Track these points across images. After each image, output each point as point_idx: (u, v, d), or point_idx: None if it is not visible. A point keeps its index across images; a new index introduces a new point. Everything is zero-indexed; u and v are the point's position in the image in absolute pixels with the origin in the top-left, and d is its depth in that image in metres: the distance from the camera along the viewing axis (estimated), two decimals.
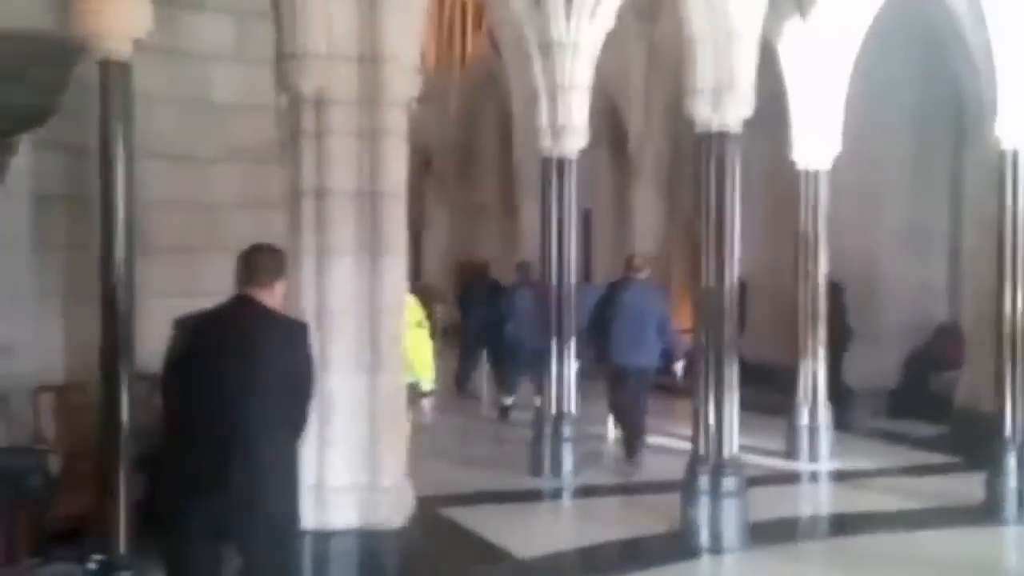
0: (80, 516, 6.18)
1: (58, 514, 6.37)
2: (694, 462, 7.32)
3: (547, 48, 9.11)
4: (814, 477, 10.05)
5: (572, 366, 9.30)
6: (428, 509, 7.52)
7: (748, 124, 7.37)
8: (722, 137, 7.26)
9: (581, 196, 19.68)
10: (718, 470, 7.22)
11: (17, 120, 3.30)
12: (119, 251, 4.87)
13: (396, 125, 6.21)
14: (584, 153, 17.76)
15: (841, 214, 12.12)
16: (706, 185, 7.29)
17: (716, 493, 7.21)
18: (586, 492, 9.08)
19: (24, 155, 7.07)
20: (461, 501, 8.49)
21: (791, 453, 10.29)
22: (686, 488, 7.32)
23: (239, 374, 4.46)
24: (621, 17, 11.51)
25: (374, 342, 6.12)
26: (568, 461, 9.27)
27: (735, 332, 7.31)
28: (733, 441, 7.29)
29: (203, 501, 4.41)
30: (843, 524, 8.44)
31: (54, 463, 6.88)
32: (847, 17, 9.95)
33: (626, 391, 9.52)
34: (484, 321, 13.37)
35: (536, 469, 9.31)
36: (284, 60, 6.09)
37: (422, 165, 26.77)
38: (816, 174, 10.24)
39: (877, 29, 10.17)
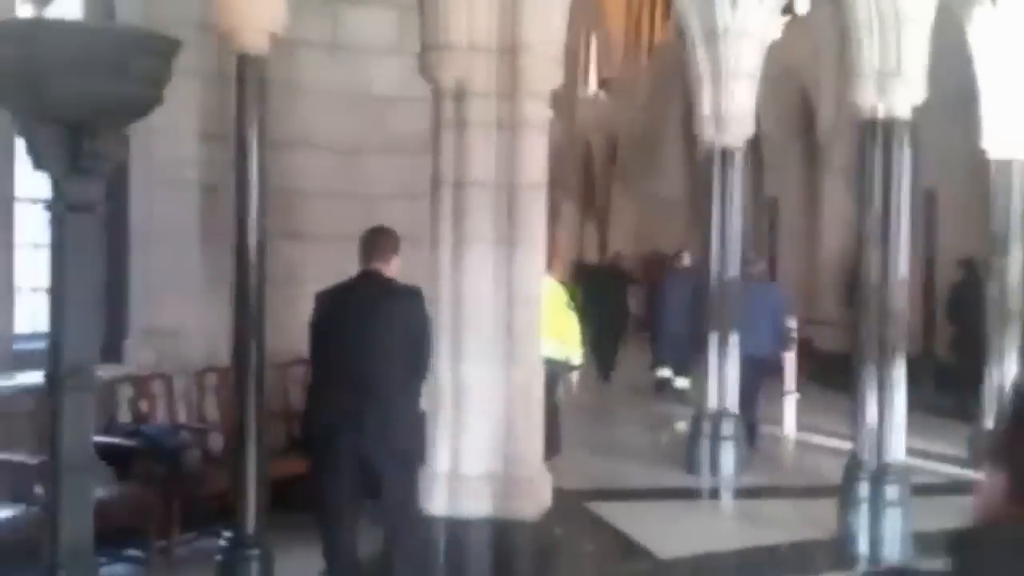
0: None
1: (213, 491, 6.63)
2: (853, 467, 6.98)
3: (711, 34, 8.86)
4: None
5: (733, 361, 9.03)
6: (573, 502, 7.45)
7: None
8: (889, 124, 6.87)
9: (769, 184, 19.59)
10: (879, 477, 6.86)
11: (121, 112, 3.38)
12: (252, 239, 5.00)
13: (535, 117, 6.13)
14: (772, 143, 17.40)
15: None
16: (870, 175, 6.92)
17: (877, 501, 6.85)
18: (745, 493, 8.81)
19: (190, 146, 7.46)
20: (610, 496, 8.41)
21: (973, 461, 9.68)
22: (844, 494, 6.99)
23: (367, 333, 5.45)
24: (815, 1, 11.16)
25: (509, 332, 6.07)
26: (728, 460, 9.01)
27: (903, 330, 6.92)
28: (897, 445, 6.91)
29: (344, 435, 5.37)
30: None
31: (215, 442, 7.21)
32: None
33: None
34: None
35: (693, 466, 9.09)
36: (426, 51, 6.10)
37: (609, 155, 26.75)
38: (1010, 164, 9.58)
39: None
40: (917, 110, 7.07)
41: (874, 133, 6.90)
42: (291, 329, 6.50)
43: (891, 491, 6.81)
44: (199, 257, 7.42)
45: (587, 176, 29.08)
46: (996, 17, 9.30)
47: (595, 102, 27.98)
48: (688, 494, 8.78)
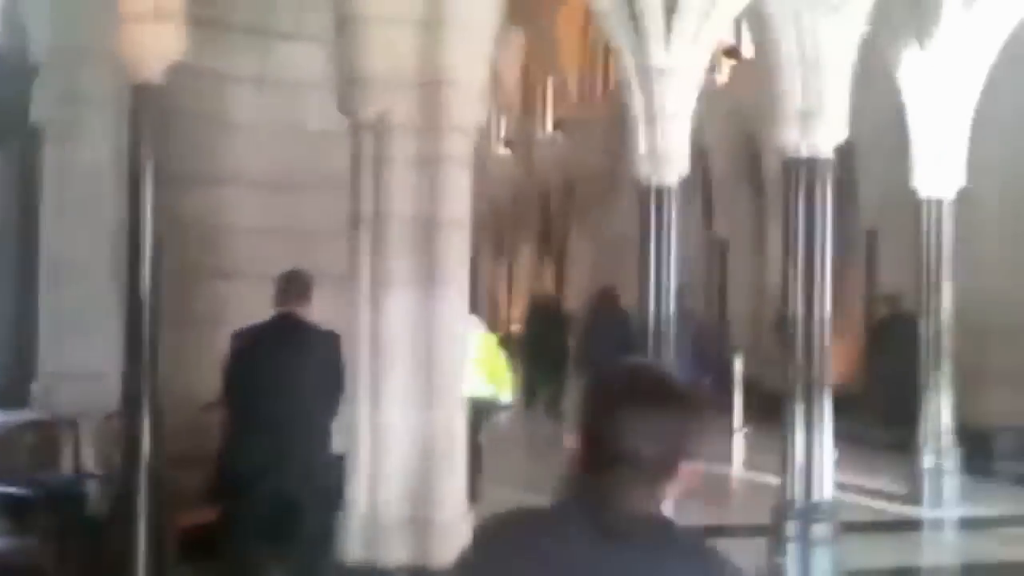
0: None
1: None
2: (781, 506, 6.91)
3: (645, 73, 8.86)
4: (936, 525, 9.41)
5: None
6: None
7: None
8: (812, 163, 6.89)
9: (719, 225, 19.69)
10: (807, 515, 6.80)
11: None
12: (145, 277, 4.87)
13: (457, 152, 6.09)
14: (721, 184, 17.53)
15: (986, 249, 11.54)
16: (794, 213, 6.92)
17: (805, 540, 6.78)
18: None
19: (107, 179, 7.33)
20: None
21: (912, 497, 9.67)
22: (773, 533, 6.92)
23: (284, 377, 5.61)
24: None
25: (430, 374, 5.99)
26: None
27: (827, 368, 6.90)
28: (825, 483, 6.86)
29: (262, 478, 5.54)
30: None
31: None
32: (970, 47, 9.38)
33: None
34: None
35: None
36: (344, 85, 6.06)
37: (566, 195, 26.79)
38: (940, 203, 9.65)
39: None
40: (859, 151, 7.11)
41: (797, 172, 6.90)
42: (217, 369, 6.40)
43: (819, 529, 6.74)
44: (118, 298, 7.27)
45: (545, 215, 29.13)
46: (924, 59, 9.40)
47: (552, 143, 28.10)
48: None
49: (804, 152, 6.89)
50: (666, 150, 8.93)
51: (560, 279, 27.53)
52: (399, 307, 5.97)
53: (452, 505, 6.02)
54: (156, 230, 4.95)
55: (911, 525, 9.21)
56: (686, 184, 20.09)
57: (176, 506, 6.75)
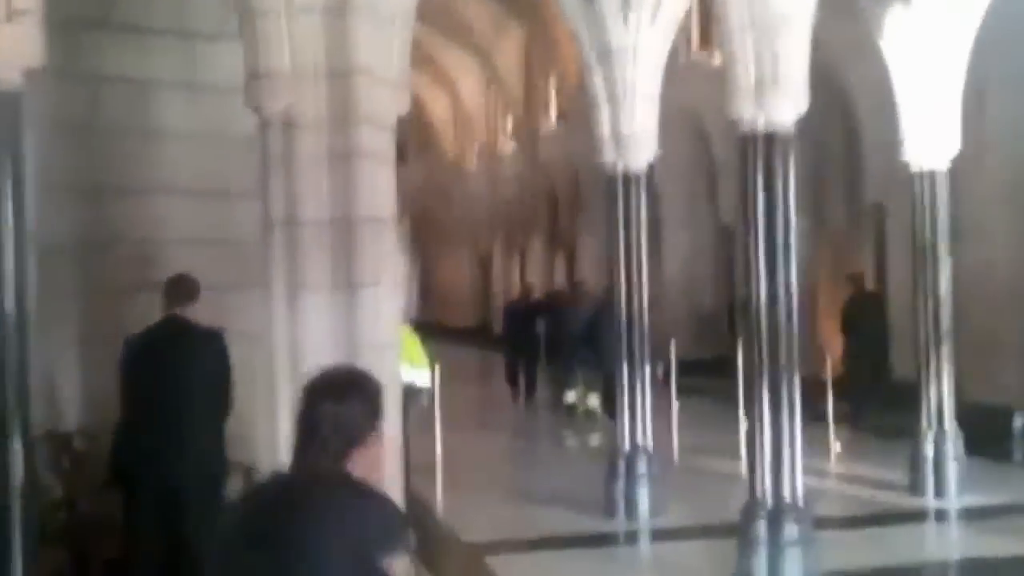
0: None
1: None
2: (750, 506, 6.42)
3: (604, 54, 8.39)
4: (940, 516, 8.86)
5: (647, 393, 8.47)
6: (473, 559, 6.92)
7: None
8: (769, 139, 6.38)
9: (724, 212, 19.11)
10: (777, 516, 6.31)
11: None
12: (8, 300, 4.45)
13: (372, 145, 5.64)
14: (727, 166, 17.01)
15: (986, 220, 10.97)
16: (753, 191, 6.42)
17: (776, 542, 6.29)
18: (662, 535, 8.23)
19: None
20: (516, 547, 7.82)
21: (911, 486, 9.12)
22: (742, 535, 6.44)
23: (168, 374, 5.88)
24: None
25: None
26: (643, 501, 8.43)
27: (793, 355, 6.40)
28: (795, 479, 6.36)
29: (149, 471, 5.75)
30: (964, 572, 7.36)
31: None
32: (956, 3, 8.82)
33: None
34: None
35: (610, 508, 8.51)
36: (250, 80, 5.63)
37: (573, 188, 26.29)
38: (933, 175, 9.09)
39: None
40: (864, 125, 6.60)
41: (755, 148, 6.41)
42: None
43: (790, 531, 6.24)
44: (40, 317, 6.90)
45: (553, 210, 28.66)
46: (909, 18, 8.86)
47: (556, 136, 27.63)
48: (602, 540, 8.21)
49: (761, 127, 6.37)
50: (631, 133, 8.46)
51: (571, 272, 27.05)
52: (317, 313, 5.54)
53: None
54: (18, 248, 4.51)
55: (912, 517, 8.66)
56: (691, 171, 19.83)
57: (101, 533, 6.41)
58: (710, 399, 14.26)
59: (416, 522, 9.06)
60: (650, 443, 8.51)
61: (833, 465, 10.79)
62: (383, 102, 5.74)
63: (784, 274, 6.34)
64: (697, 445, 11.36)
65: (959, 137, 9.12)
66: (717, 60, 18.38)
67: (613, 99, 8.43)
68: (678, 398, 11.62)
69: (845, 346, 13.14)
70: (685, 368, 17.85)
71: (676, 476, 9.63)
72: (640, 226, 8.66)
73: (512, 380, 17.44)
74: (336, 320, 5.55)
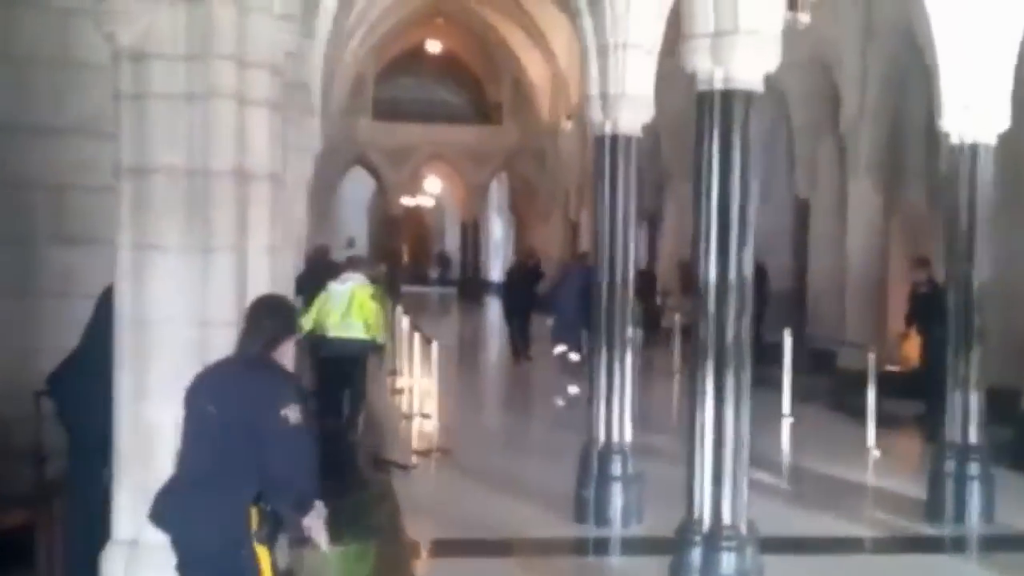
0: None
1: None
2: (685, 527, 5.52)
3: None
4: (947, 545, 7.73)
5: (627, 381, 7.54)
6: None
7: None
8: (727, 96, 5.38)
9: (801, 183, 17.83)
10: (712, 541, 5.38)
11: None
12: None
13: (241, 85, 4.86)
14: (805, 138, 15.93)
15: None
16: (708, 156, 5.44)
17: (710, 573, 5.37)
18: (631, 546, 7.32)
19: None
20: (472, 549, 7.06)
21: (928, 512, 8.00)
22: (674, 563, 5.53)
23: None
24: None
25: (205, 361, 4.81)
26: (615, 506, 7.52)
27: (744, 334, 5.43)
28: (739, 498, 5.42)
29: None
30: None
31: None
32: None
33: None
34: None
35: (580, 514, 7.62)
36: (100, 1, 4.88)
37: (655, 153, 25.10)
38: (975, 149, 7.89)
39: None
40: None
41: (711, 108, 5.42)
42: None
43: (727, 561, 5.31)
44: None
45: (638, 182, 27.43)
46: None
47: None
48: (566, 548, 7.35)
49: (718, 84, 5.38)
50: (622, 91, 7.48)
51: (652, 244, 25.94)
52: (163, 279, 4.81)
53: None
54: None
55: (913, 545, 7.57)
56: (768, 136, 18.51)
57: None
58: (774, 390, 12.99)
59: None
60: (628, 438, 7.58)
61: (865, 474, 9.73)
62: (261, 36, 4.95)
63: (739, 251, 5.37)
64: None
65: (1008, 109, 7.89)
66: (805, 18, 17.10)
67: (603, 51, 7.45)
68: None
69: (921, 339, 11.91)
70: (759, 354, 16.86)
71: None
72: (629, 195, 7.70)
73: (511, 340, 18.72)
74: (190, 289, 4.82)
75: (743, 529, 5.39)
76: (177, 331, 4.82)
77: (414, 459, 9.76)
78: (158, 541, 4.77)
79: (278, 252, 5.20)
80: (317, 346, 10.20)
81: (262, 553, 4.00)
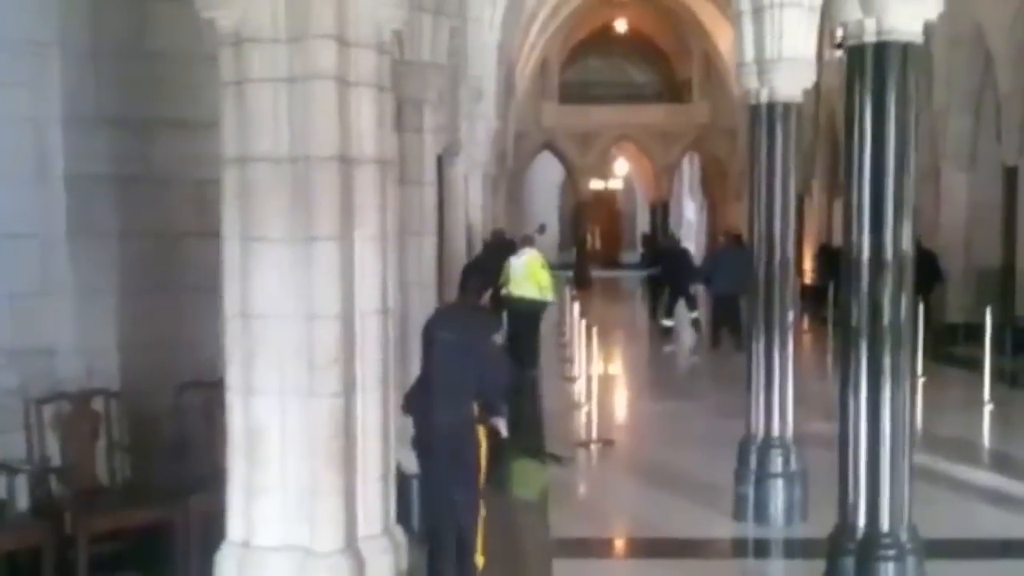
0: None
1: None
2: (838, 531, 4.98)
3: None
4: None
5: (789, 372, 6.98)
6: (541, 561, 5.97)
7: None
8: (881, 50, 4.78)
9: (1008, 150, 16.46)
10: (868, 550, 4.82)
11: None
12: None
13: (344, 67, 4.61)
14: (1014, 101, 14.73)
15: None
16: (860, 121, 4.86)
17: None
18: (792, 548, 6.76)
19: (54, 132, 6.45)
20: (605, 551, 6.68)
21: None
22: (827, 573, 5.01)
23: None
24: None
25: (311, 357, 4.61)
26: (776, 504, 6.97)
27: (903, 317, 4.85)
28: (898, 499, 4.85)
29: None
30: None
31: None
32: None
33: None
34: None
35: (739, 512, 7.12)
36: None
37: None
38: None
39: None
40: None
41: (862, 64, 4.84)
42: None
43: (885, 572, 4.75)
44: (70, 262, 6.42)
45: (834, 149, 26.18)
46: None
47: (840, 65, 25.10)
48: (722, 549, 6.86)
49: (870, 36, 4.77)
50: (779, 54, 6.89)
51: (800, 226, 24.74)
52: (271, 271, 4.63)
53: (334, 529, 4.62)
54: None
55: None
56: (972, 101, 17.15)
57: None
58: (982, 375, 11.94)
59: None
60: (790, 432, 7.02)
61: None
62: (363, 14, 4.69)
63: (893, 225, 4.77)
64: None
65: None
66: None
67: (757, 8, 6.88)
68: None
69: None
70: (966, 334, 15.75)
71: None
72: (788, 168, 7.10)
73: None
74: (295, 281, 4.62)
75: (903, 536, 4.80)
76: (282, 326, 4.63)
77: (576, 450, 9.44)
78: (270, 544, 4.68)
79: (390, 240, 4.94)
80: (504, 305, 13.27)
81: (481, 431, 5.74)
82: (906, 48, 4.79)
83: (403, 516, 5.32)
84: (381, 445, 4.86)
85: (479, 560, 5.82)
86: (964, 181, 18.07)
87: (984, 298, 16.79)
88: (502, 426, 5.77)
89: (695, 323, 18.42)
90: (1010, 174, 16.94)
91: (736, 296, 15.43)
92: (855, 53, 4.88)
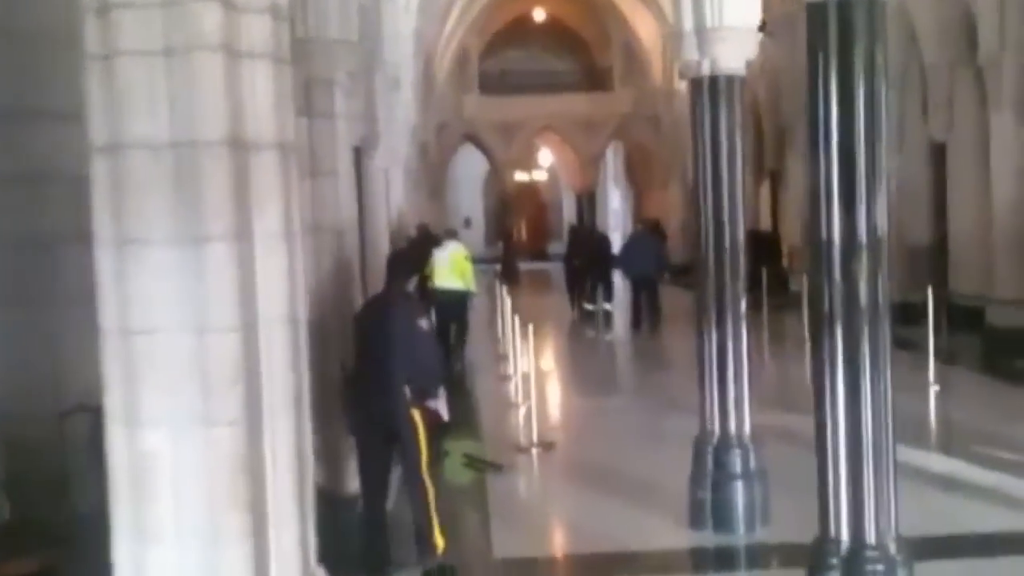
0: None
1: None
2: (820, 544, 4.44)
3: None
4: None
5: (743, 364, 6.44)
6: None
7: None
8: (845, 7, 4.24)
9: (936, 126, 16.21)
10: (853, 566, 4.28)
11: None
12: None
13: (223, 33, 3.92)
14: (938, 74, 14.30)
15: None
16: (824, 87, 4.31)
17: None
18: (755, 557, 6.23)
19: None
20: (551, 571, 6.08)
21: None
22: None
23: None
24: None
25: (206, 378, 3.92)
26: (736, 509, 6.44)
27: (882, 299, 4.33)
28: (884, 507, 4.33)
29: None
30: None
31: None
32: None
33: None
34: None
35: (696, 519, 6.56)
36: None
37: (776, 109, 23.62)
38: None
39: None
40: None
41: (824, 23, 4.29)
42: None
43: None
44: None
45: (757, 135, 25.95)
46: None
47: (761, 48, 24.81)
48: (680, 562, 6.30)
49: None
50: (720, 22, 6.35)
51: (775, 206, 24.48)
52: (155, 277, 3.92)
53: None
54: None
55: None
56: (899, 76, 16.89)
57: None
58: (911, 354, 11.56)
59: None
60: (747, 429, 6.49)
61: None
62: None
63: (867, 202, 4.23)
64: None
65: None
66: None
67: None
68: None
69: None
70: (901, 315, 15.42)
71: None
72: (734, 144, 6.56)
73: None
74: (177, 288, 3.92)
75: (892, 548, 4.26)
76: (169, 342, 3.93)
77: (516, 456, 8.84)
78: None
79: (297, 237, 4.27)
80: (430, 296, 13.23)
81: (416, 413, 5.86)
82: (872, 4, 4.25)
83: (337, 544, 4.69)
84: (295, 478, 4.19)
85: (439, 542, 5.85)
86: (894, 160, 17.81)
87: (916, 277, 16.58)
88: (442, 407, 6.03)
89: (605, 313, 19.71)
90: (938, 151, 16.71)
91: (652, 279, 17.33)
92: (817, 10, 4.32)
